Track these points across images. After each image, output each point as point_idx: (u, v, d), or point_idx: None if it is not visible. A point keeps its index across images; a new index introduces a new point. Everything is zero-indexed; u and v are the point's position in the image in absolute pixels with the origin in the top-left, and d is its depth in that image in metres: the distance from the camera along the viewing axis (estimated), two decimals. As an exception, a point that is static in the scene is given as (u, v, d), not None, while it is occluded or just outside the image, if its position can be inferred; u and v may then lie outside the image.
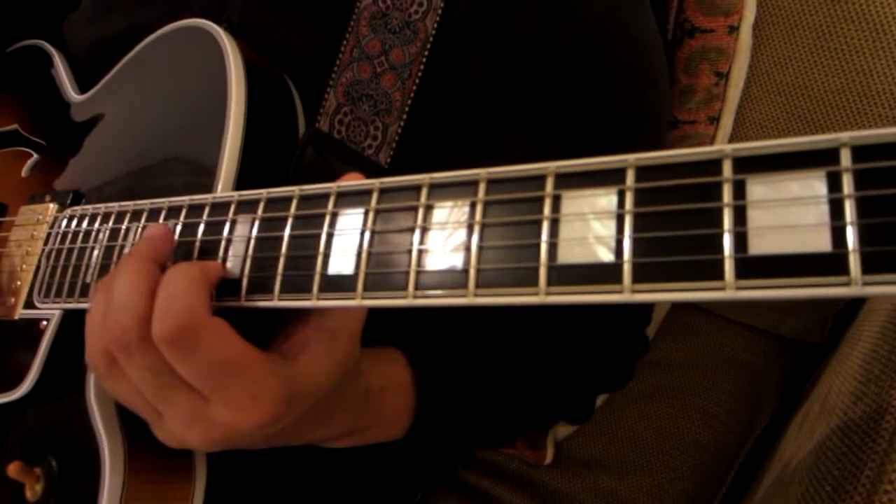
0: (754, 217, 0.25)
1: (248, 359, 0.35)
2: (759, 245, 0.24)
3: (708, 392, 0.82)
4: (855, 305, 0.75)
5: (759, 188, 0.25)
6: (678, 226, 0.26)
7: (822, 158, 0.24)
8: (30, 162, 0.63)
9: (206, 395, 0.36)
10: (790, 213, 0.24)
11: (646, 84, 0.58)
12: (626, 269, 0.26)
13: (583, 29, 0.53)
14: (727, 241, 0.25)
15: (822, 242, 0.23)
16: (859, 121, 0.70)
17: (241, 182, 0.45)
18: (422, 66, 0.52)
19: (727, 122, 0.75)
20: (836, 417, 0.53)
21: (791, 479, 0.56)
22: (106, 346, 0.37)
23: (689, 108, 0.74)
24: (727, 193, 0.25)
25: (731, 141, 0.76)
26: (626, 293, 0.26)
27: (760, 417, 0.82)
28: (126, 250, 0.43)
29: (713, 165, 0.26)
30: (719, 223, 0.25)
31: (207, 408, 0.36)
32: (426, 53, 0.52)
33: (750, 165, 0.25)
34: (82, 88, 0.64)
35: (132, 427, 0.41)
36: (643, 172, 0.27)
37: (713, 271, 0.25)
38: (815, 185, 0.24)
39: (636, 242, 0.26)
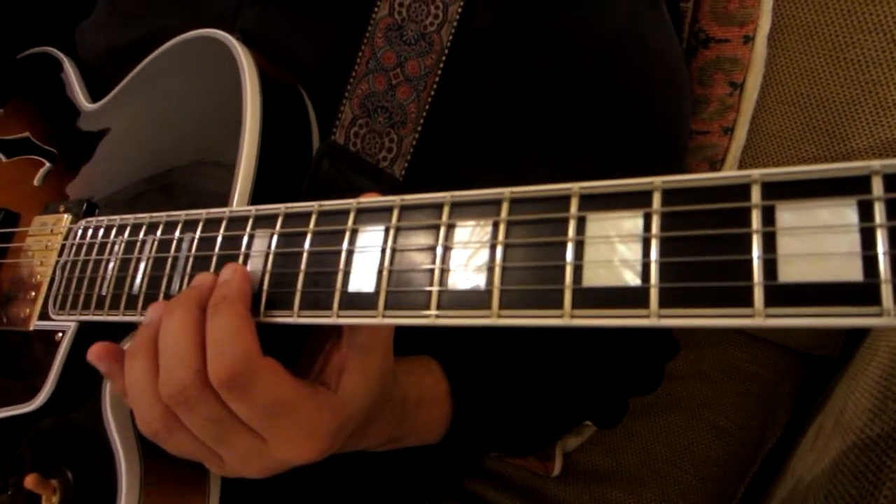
0: (784, 244, 0.24)
1: (301, 397, 0.36)
2: (789, 272, 0.24)
3: (718, 405, 0.81)
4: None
5: (788, 215, 0.25)
6: (706, 251, 0.26)
7: (853, 186, 0.24)
8: (42, 170, 0.62)
9: (264, 436, 0.37)
10: (820, 241, 0.24)
11: (666, 97, 0.58)
12: (653, 293, 0.26)
13: (601, 42, 0.53)
14: (756, 268, 0.24)
15: (853, 271, 0.23)
16: (875, 133, 0.70)
17: (256, 194, 0.45)
18: (437, 79, 0.52)
19: (741, 132, 0.75)
20: (852, 434, 0.52)
21: (805, 496, 0.55)
22: (165, 405, 0.37)
23: (702, 118, 0.74)
24: (756, 219, 0.25)
25: (744, 151, 0.76)
26: (653, 318, 0.26)
27: (771, 431, 0.81)
28: (141, 263, 0.43)
29: (741, 190, 0.26)
30: (748, 249, 0.25)
31: (265, 447, 0.38)
32: (441, 65, 0.52)
33: (779, 191, 0.25)
34: (94, 96, 0.64)
35: (148, 442, 0.41)
36: (670, 195, 0.27)
37: (742, 298, 0.24)
38: (845, 213, 0.24)
39: (663, 267, 0.26)
